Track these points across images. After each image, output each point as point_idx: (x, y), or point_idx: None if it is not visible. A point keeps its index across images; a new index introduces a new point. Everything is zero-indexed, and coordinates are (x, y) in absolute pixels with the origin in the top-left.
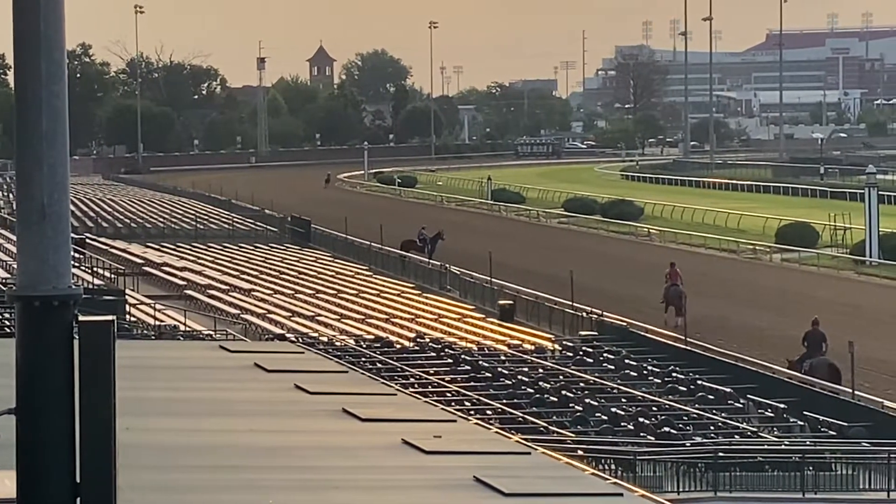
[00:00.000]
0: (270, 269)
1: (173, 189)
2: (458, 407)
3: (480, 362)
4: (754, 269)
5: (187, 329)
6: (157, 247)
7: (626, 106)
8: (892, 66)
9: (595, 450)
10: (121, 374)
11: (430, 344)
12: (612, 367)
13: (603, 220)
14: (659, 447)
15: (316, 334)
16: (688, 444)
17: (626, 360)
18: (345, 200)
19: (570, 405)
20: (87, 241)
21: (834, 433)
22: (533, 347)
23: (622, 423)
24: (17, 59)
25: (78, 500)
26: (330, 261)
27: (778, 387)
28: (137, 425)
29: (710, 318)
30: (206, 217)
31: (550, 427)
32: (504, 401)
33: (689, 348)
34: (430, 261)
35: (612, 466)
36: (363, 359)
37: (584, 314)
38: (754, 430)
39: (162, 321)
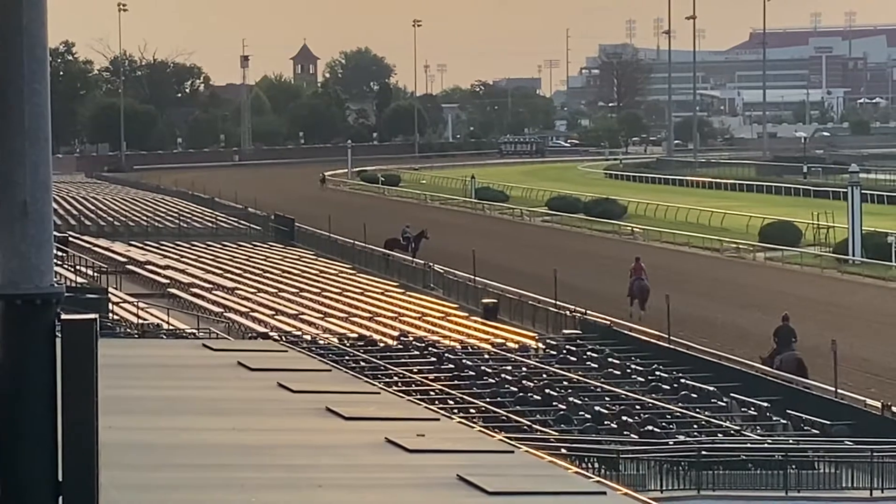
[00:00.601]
0: (254, 267)
1: (156, 187)
2: (441, 405)
3: (464, 361)
4: (738, 268)
5: (170, 327)
6: (140, 245)
7: (610, 104)
8: (875, 64)
9: (578, 448)
10: (103, 373)
11: (413, 342)
12: (596, 366)
13: (586, 218)
14: (642, 446)
15: (299, 333)
16: (671, 443)
17: (610, 359)
18: (328, 199)
19: (554, 404)
20: (70, 239)
21: (817, 431)
22: (516, 346)
23: (606, 422)
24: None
25: (60, 499)
26: (314, 259)
27: (761, 385)
28: (120, 424)
29: (693, 316)
30: (189, 215)
31: (534, 425)
32: (487, 399)
33: (672, 347)
34: (414, 259)
35: (596, 465)
36: (346, 357)
37: (568, 313)
38: (737, 428)
39: (145, 320)
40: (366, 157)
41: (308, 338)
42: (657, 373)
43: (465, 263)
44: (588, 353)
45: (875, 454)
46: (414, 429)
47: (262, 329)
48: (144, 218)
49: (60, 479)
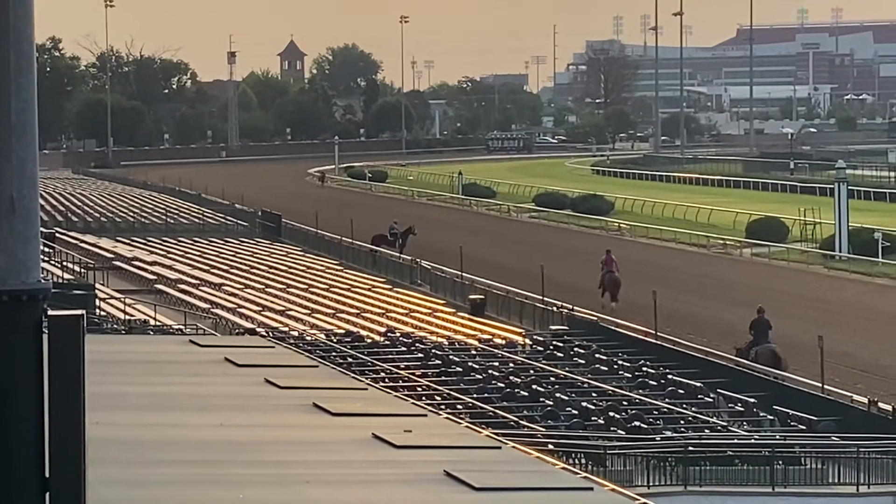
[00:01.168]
0: (241, 263)
1: (143, 183)
2: (428, 401)
3: (451, 357)
4: (724, 264)
5: (157, 323)
6: (127, 241)
7: (597, 101)
8: (862, 61)
9: (565, 444)
10: (90, 369)
11: (400, 338)
12: (583, 362)
13: (573, 214)
14: (629, 441)
15: (286, 329)
16: (658, 439)
17: (597, 355)
18: (315, 195)
19: (541, 399)
20: (57, 235)
21: (803, 427)
22: (503, 342)
23: (592, 418)
24: None
25: (47, 495)
26: (301, 255)
27: (748, 381)
28: (107, 420)
29: (680, 312)
30: (176, 211)
31: (521, 421)
32: (475, 395)
33: (659, 343)
34: (401, 255)
35: (583, 460)
36: (334, 353)
37: (555, 309)
38: (724, 424)
39: (132, 315)
40: (353, 153)
41: (295, 334)
42: (644, 369)
43: (452, 259)
44: (575, 348)
45: (861, 450)
46: (401, 425)
47: (249, 325)
48: (131, 214)
49: (47, 475)
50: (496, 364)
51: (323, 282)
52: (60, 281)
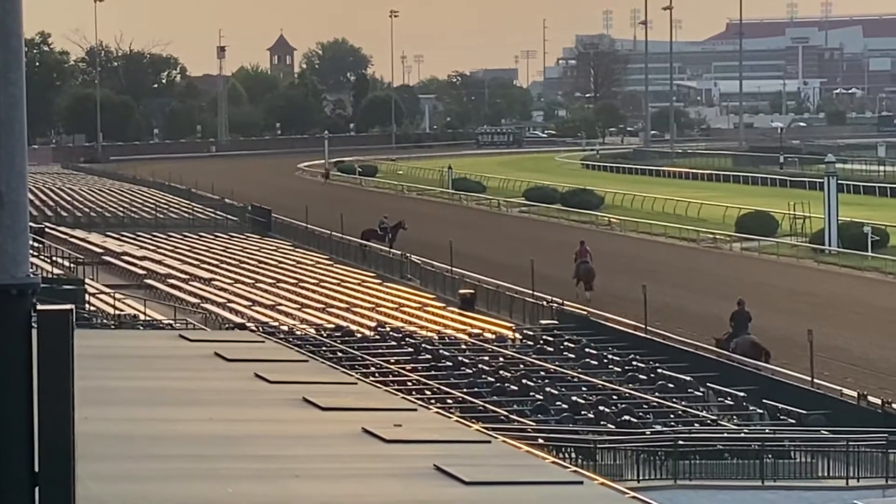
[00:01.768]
0: (231, 258)
1: (133, 178)
2: (418, 396)
3: (441, 351)
4: (714, 258)
5: (147, 318)
6: (116, 236)
7: (587, 95)
8: (852, 55)
9: (555, 438)
10: (80, 364)
11: (390, 333)
12: (573, 356)
13: (563, 209)
14: (619, 435)
15: (276, 323)
16: (648, 433)
17: (587, 349)
18: (305, 190)
19: (531, 394)
20: (47, 230)
21: (793, 421)
22: (493, 336)
23: (582, 412)
24: None
25: (37, 489)
26: (290, 250)
27: (737, 375)
28: (97, 415)
29: (670, 306)
30: (166, 206)
31: (511, 416)
32: (465, 389)
33: (649, 337)
34: (391, 250)
35: (573, 455)
36: (324, 348)
37: (545, 303)
38: (714, 418)
39: (122, 310)
40: (343, 147)
41: (285, 328)
42: (634, 363)
43: (442, 254)
44: (565, 343)
45: (851, 443)
46: (391, 419)
47: (238, 320)
48: (121, 209)
49: (37, 470)
50: (486, 358)
51: (313, 276)
52: (50, 276)
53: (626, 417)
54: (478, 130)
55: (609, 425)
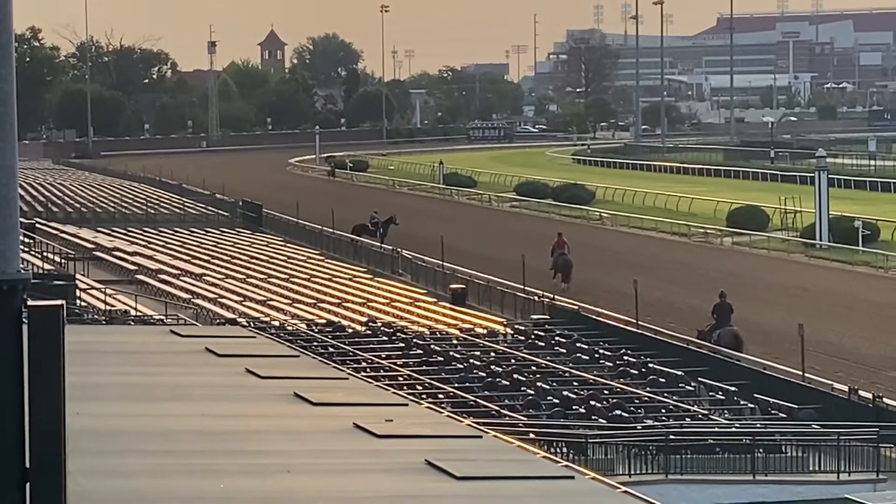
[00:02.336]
0: (222, 253)
1: (124, 173)
2: (409, 391)
3: (432, 346)
4: (705, 253)
5: (138, 314)
6: (107, 231)
7: (578, 90)
8: (842, 49)
9: (547, 433)
10: (71, 359)
11: (381, 328)
12: (564, 351)
13: (554, 204)
14: (610, 430)
15: (267, 319)
16: (639, 427)
17: (578, 344)
18: (296, 185)
19: (522, 389)
20: (37, 225)
21: (784, 415)
22: (485, 331)
23: (574, 407)
24: None
25: (27, 484)
26: (282, 245)
27: (729, 370)
28: (88, 410)
29: (661, 301)
30: (157, 201)
31: (502, 410)
32: (456, 384)
33: (640, 331)
34: (382, 245)
35: (564, 449)
36: (315, 343)
37: (536, 298)
38: (705, 412)
39: (113, 306)
40: (334, 142)
41: (276, 324)
42: (625, 357)
43: (433, 249)
44: (556, 338)
45: (842, 438)
46: (382, 414)
47: (230, 315)
48: (112, 204)
49: (27, 465)
50: (477, 353)
51: (304, 272)
52: (41, 271)
53: (618, 412)
54: (469, 125)
55: (600, 420)
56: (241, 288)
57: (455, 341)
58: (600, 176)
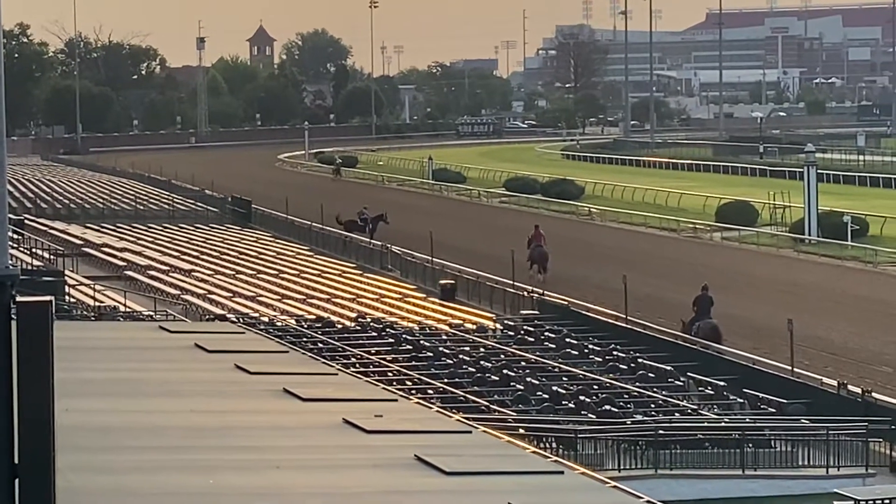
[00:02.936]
0: (211, 249)
1: (113, 169)
2: (399, 386)
3: (422, 342)
4: (695, 248)
5: (127, 310)
6: (96, 227)
7: (567, 85)
8: (831, 45)
9: (536, 428)
10: (60, 355)
11: (371, 323)
12: (553, 346)
13: (544, 199)
14: (600, 425)
15: (257, 314)
16: (628, 422)
17: (567, 339)
18: (285, 181)
19: (512, 384)
20: (26, 222)
21: (773, 410)
22: (474, 327)
23: (563, 402)
24: None
25: (17, 481)
26: (271, 241)
27: (718, 365)
28: (77, 406)
29: (650, 296)
30: (145, 198)
31: (492, 406)
32: (445, 380)
33: (629, 327)
34: (372, 241)
35: (554, 445)
36: (304, 339)
37: (525, 293)
38: (694, 407)
39: (102, 302)
40: (323, 138)
41: (265, 319)
42: (615, 353)
43: (422, 245)
44: (546, 333)
45: (831, 432)
46: (372, 409)
47: (219, 311)
48: (101, 200)
49: (16, 461)
50: (467, 349)
51: (293, 267)
52: (30, 267)
53: (607, 407)
54: (458, 121)
55: (590, 415)
56: (231, 284)
57: (444, 337)
58: (589, 171)
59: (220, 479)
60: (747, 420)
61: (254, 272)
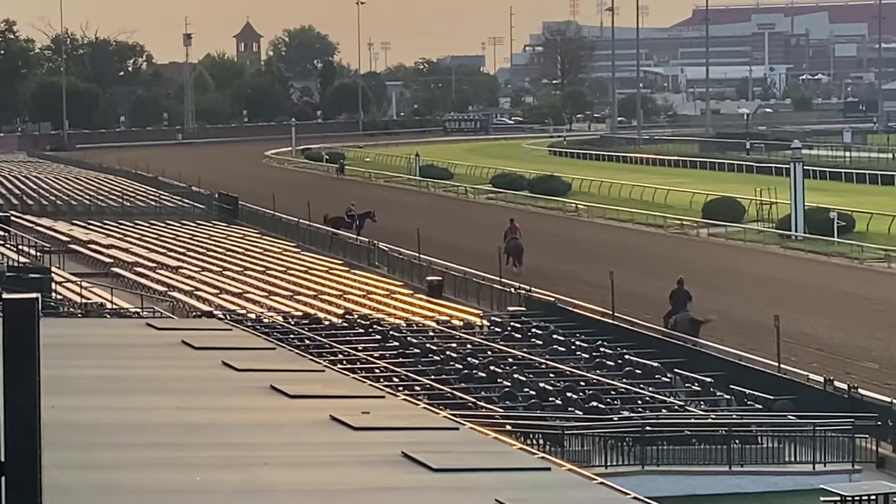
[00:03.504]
0: (198, 246)
1: (99, 166)
2: (386, 383)
3: (409, 338)
4: (681, 244)
5: (114, 307)
6: (83, 224)
7: (554, 82)
8: (817, 41)
9: (523, 425)
10: (46, 353)
11: (358, 320)
12: (541, 343)
13: (531, 195)
14: (587, 422)
15: (244, 311)
16: (615, 419)
17: (555, 335)
18: (272, 177)
19: (499, 380)
20: (12, 218)
21: (760, 406)
22: (461, 323)
23: (550, 398)
24: None
25: (3, 478)
26: (258, 238)
27: (705, 361)
28: (63, 403)
29: (637, 293)
30: (132, 194)
31: (479, 402)
32: (432, 377)
33: (616, 323)
34: (359, 237)
35: (541, 441)
36: (291, 335)
37: (512, 290)
38: (681, 404)
39: (88, 299)
40: (310, 135)
41: (252, 316)
42: (601, 349)
43: (409, 241)
44: (533, 329)
45: (818, 428)
46: (359, 406)
47: (206, 308)
48: (87, 197)
49: (3, 458)
50: (454, 345)
51: (280, 264)
52: (16, 264)
53: (594, 404)
54: (445, 117)
55: (577, 412)
56: (218, 280)
57: (431, 333)
58: (576, 168)
59: (207, 476)
60: (734, 416)
61: (241, 269)
